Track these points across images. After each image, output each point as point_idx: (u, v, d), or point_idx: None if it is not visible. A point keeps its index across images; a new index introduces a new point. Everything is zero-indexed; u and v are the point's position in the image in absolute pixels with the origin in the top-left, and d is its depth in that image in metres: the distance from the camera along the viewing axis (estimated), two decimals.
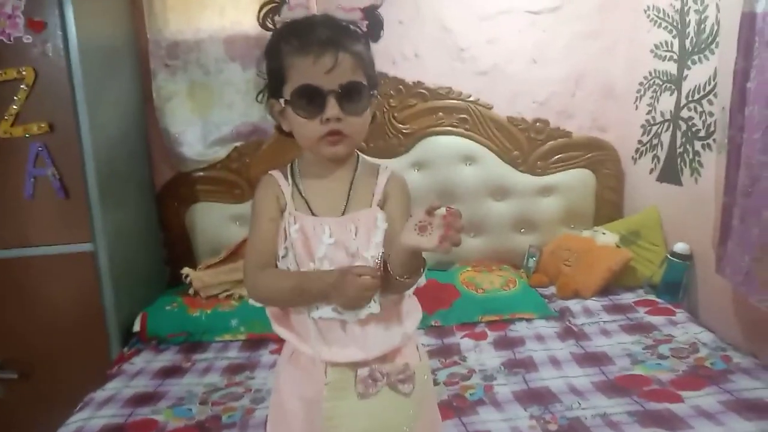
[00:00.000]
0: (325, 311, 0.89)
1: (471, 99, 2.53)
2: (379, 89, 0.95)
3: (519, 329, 2.06)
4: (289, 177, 0.99)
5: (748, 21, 1.63)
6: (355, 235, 0.91)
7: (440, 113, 2.53)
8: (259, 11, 0.93)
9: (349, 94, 0.89)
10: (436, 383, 1.69)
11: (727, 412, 1.43)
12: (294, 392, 0.94)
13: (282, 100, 0.91)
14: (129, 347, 2.10)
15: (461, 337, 2.03)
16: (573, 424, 1.45)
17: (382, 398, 0.88)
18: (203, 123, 2.53)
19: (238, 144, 2.55)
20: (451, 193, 2.53)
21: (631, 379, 1.64)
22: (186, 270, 2.35)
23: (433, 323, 2.12)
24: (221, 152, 2.55)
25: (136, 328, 2.14)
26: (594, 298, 2.24)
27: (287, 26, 0.92)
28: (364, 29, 0.94)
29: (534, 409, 1.53)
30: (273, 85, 0.94)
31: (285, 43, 0.90)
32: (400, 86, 2.51)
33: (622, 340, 1.90)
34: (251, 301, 0.97)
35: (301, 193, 0.96)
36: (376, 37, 0.97)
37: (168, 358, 2.04)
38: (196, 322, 2.17)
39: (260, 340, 2.11)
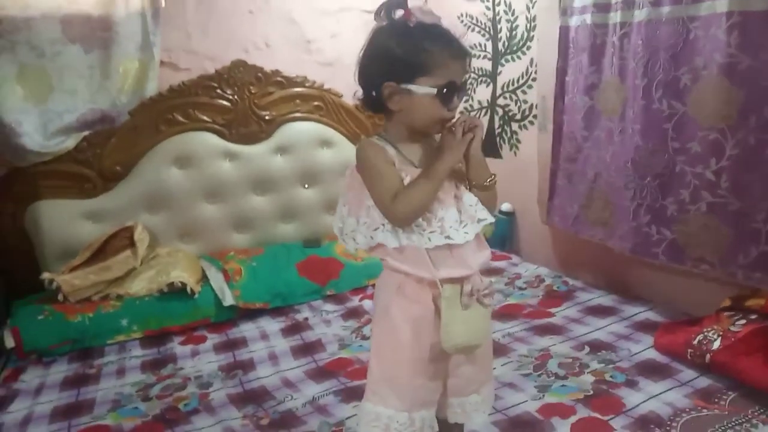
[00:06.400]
0: (438, 238, 1.09)
1: (325, 88, 2.74)
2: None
3: None
4: (385, 142, 1.14)
5: (565, 32, 2.21)
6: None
7: (297, 100, 2.69)
8: (383, 5, 1.10)
9: (463, 90, 1.13)
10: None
11: (586, 316, 1.99)
12: (405, 316, 1.13)
13: (413, 87, 1.07)
14: (6, 366, 1.85)
15: (359, 300, 2.28)
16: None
17: (473, 309, 1.11)
18: (40, 111, 2.25)
19: (86, 133, 2.34)
20: (312, 175, 2.71)
21: (514, 307, 2.11)
22: (47, 275, 2.10)
23: (328, 293, 2.32)
24: (67, 143, 2.30)
25: (10, 344, 1.88)
26: None
27: (427, 29, 1.08)
28: None
29: None
30: (398, 71, 1.08)
31: (432, 44, 1.06)
32: (260, 74, 2.59)
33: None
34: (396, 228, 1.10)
35: (401, 153, 1.13)
36: None
37: (63, 369, 1.87)
38: (79, 328, 1.99)
39: (160, 335, 2.05)
